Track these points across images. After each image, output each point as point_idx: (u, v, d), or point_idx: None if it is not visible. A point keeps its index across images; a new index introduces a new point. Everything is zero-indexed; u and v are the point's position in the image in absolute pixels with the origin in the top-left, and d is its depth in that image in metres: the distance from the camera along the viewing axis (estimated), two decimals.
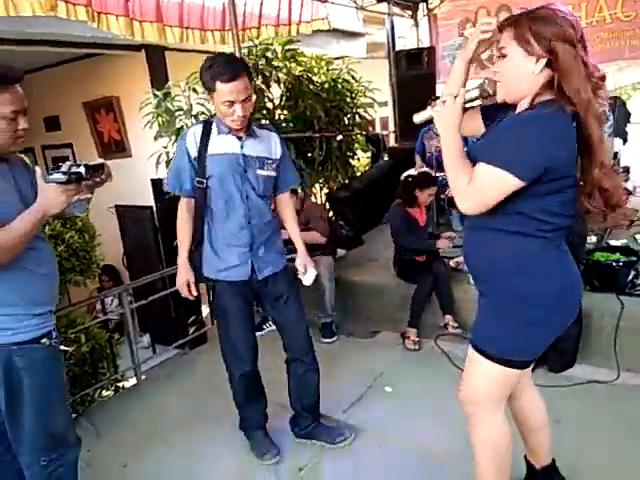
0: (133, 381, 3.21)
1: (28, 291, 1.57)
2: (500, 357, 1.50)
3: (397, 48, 5.95)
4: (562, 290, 1.46)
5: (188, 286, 2.13)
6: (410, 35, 6.21)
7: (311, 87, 4.57)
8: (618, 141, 4.31)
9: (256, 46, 4.13)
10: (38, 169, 1.54)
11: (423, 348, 3.16)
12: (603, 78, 1.37)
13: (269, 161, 2.11)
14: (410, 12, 5.94)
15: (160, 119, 3.80)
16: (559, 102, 1.31)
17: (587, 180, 1.39)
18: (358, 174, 5.48)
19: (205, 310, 4.47)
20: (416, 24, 6.02)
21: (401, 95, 5.52)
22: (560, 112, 1.31)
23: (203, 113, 3.73)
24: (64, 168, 1.49)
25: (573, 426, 2.28)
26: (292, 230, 2.29)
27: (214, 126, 2.03)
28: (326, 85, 4.76)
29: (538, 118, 1.33)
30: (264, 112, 4.17)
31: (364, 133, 5.37)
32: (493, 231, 1.46)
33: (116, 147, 5.44)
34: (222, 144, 2.03)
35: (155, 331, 4.87)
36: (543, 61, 1.31)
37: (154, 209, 4.80)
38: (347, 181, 5.18)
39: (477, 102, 1.52)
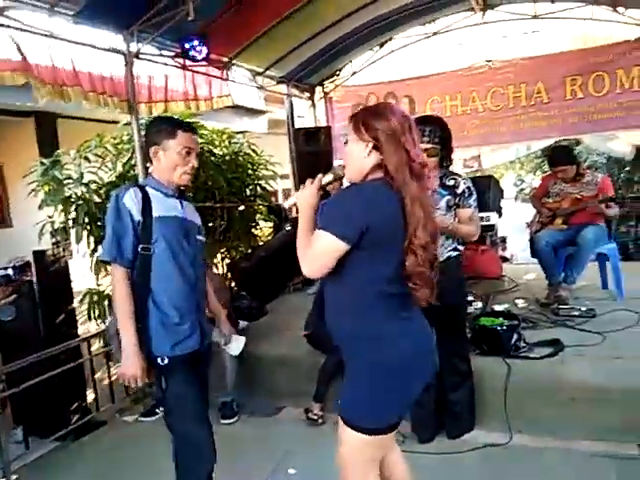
0: None
1: None
2: (356, 425, 1.59)
3: (297, 126, 6.25)
4: (403, 358, 1.58)
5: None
6: (308, 114, 6.58)
7: (212, 159, 4.61)
8: (494, 215, 4.79)
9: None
10: None
11: (327, 422, 3.07)
12: (423, 165, 1.60)
13: (200, 228, 2.09)
14: (308, 94, 6.32)
15: (46, 187, 3.58)
16: (385, 179, 1.57)
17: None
18: (260, 244, 5.49)
19: (90, 395, 4.06)
20: (313, 105, 6.40)
21: (301, 169, 5.74)
22: (382, 186, 1.57)
23: (94, 182, 3.58)
24: None
25: None
26: (211, 297, 2.20)
27: (150, 189, 1.93)
28: (227, 157, 4.83)
29: (358, 188, 1.62)
30: None
31: (266, 204, 5.45)
32: (338, 297, 1.63)
33: None
34: (166, 206, 1.93)
35: (31, 422, 4.30)
36: (370, 146, 1.57)
37: (34, 283, 4.42)
38: (249, 251, 5.16)
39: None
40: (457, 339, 2.79)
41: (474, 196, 2.70)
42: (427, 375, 1.68)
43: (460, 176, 2.74)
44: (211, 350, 2.11)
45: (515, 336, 3.17)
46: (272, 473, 2.61)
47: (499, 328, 3.19)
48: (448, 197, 2.64)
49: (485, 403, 2.89)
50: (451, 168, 2.79)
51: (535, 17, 5.33)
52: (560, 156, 4.30)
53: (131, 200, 1.86)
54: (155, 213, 1.88)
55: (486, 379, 2.94)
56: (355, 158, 1.62)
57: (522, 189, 14.03)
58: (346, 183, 1.76)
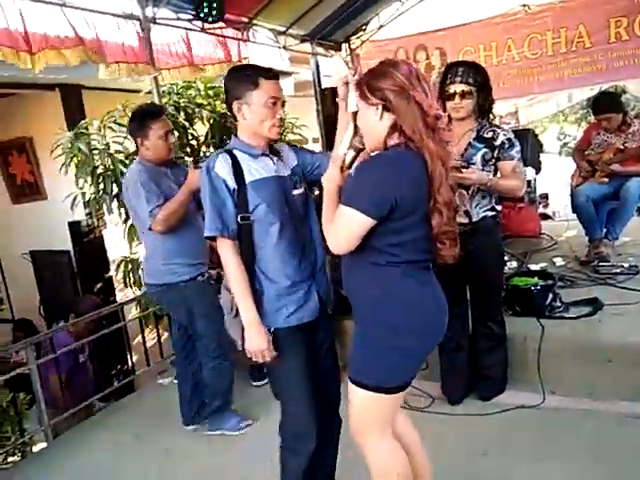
0: (43, 444, 2.91)
1: (187, 249, 2.55)
2: (372, 385, 1.58)
3: (324, 86, 6.07)
4: (423, 319, 1.57)
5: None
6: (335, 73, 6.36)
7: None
8: (531, 170, 4.55)
9: (176, 84, 4.07)
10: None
11: None
12: (437, 117, 1.51)
13: (294, 177, 1.86)
14: (333, 52, 6.10)
15: (75, 159, 3.62)
16: (405, 142, 1.49)
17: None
18: None
19: (134, 357, 4.21)
20: None
21: (328, 131, 5.61)
22: (406, 151, 1.49)
23: (120, 152, 3.59)
24: None
25: (500, 457, 2.27)
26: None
27: (238, 153, 1.76)
28: None
29: (382, 159, 1.54)
30: (188, 149, 4.09)
31: None
32: (358, 263, 1.58)
33: (30, 190, 5.17)
34: (259, 168, 1.76)
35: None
36: (380, 108, 1.50)
37: (72, 253, 4.57)
38: None
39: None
40: (492, 303, 2.69)
41: (517, 147, 2.48)
42: (436, 340, 1.67)
43: (500, 127, 2.55)
44: (329, 318, 1.92)
45: (550, 296, 3.05)
46: None
47: (532, 288, 3.07)
48: (484, 150, 2.45)
49: (517, 364, 2.81)
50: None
51: None
52: (605, 103, 4.03)
53: (222, 168, 1.71)
54: (248, 178, 1.73)
55: (518, 340, 2.85)
56: (369, 125, 1.55)
57: (566, 143, 13.33)
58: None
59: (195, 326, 2.65)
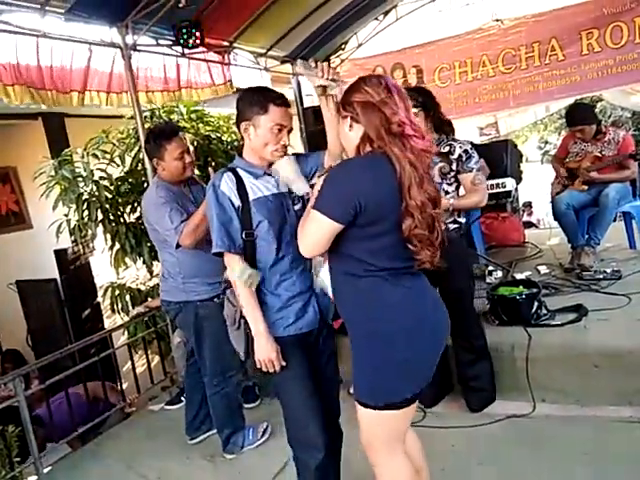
0: (33, 478, 2.86)
1: (205, 268, 2.45)
2: (378, 405, 1.57)
3: (306, 105, 6.15)
4: (409, 327, 1.55)
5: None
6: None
7: (220, 146, 4.59)
8: (511, 180, 4.64)
9: (159, 109, 4.10)
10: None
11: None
12: (399, 124, 1.53)
13: (293, 193, 1.90)
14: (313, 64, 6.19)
15: (59, 187, 3.63)
16: (374, 150, 1.54)
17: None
18: None
19: (124, 384, 4.16)
20: None
21: (312, 149, 5.66)
22: (372, 156, 1.54)
23: (104, 178, 3.61)
24: None
25: (495, 468, 2.28)
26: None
27: (241, 172, 1.84)
28: (235, 143, 4.79)
29: (346, 163, 1.60)
30: None
31: None
32: (339, 274, 1.63)
33: (15, 219, 5.15)
34: (261, 186, 1.84)
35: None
36: (348, 119, 1.59)
37: (58, 281, 4.54)
38: None
39: None
40: (466, 317, 2.66)
41: (474, 159, 2.56)
42: (438, 345, 1.62)
43: (457, 141, 2.61)
44: (329, 330, 1.99)
45: (535, 304, 3.09)
46: (290, 459, 2.61)
47: (518, 297, 3.11)
48: (441, 164, 2.54)
49: (506, 374, 2.84)
50: (462, 136, 2.69)
51: None
52: (577, 116, 4.12)
53: (227, 186, 1.80)
54: (251, 196, 1.81)
55: (507, 350, 2.89)
56: (344, 136, 1.64)
57: (547, 151, 13.57)
58: None
59: (201, 348, 2.63)
